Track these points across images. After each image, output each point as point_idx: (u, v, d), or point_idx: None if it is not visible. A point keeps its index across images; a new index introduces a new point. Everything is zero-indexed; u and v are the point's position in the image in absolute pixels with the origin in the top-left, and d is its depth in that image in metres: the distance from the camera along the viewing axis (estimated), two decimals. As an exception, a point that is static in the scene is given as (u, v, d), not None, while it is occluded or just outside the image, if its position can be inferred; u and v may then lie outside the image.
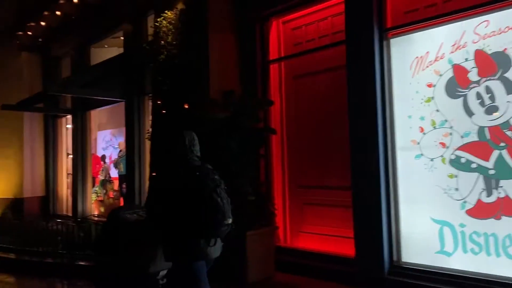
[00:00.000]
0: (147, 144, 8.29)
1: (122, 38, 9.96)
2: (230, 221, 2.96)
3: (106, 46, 10.34)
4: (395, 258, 4.61)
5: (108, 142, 11.45)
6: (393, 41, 4.75)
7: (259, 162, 5.56)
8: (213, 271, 3.21)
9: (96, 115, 11.05)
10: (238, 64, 6.03)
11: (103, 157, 10.92)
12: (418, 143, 4.53)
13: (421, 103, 4.51)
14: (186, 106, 5.76)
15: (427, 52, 4.48)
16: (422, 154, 4.50)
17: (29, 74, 11.02)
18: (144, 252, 3.34)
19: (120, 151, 10.31)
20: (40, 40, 10.33)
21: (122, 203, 10.20)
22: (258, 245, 5.10)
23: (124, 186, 10.04)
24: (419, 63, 4.54)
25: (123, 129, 11.24)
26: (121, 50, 9.37)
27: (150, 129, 6.34)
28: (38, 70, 11.20)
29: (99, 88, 8.05)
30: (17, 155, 10.86)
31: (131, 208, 4.06)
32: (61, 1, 8.91)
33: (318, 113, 5.69)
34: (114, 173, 10.99)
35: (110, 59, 8.63)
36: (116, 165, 10.36)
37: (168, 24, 5.99)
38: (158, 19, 6.22)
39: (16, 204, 10.57)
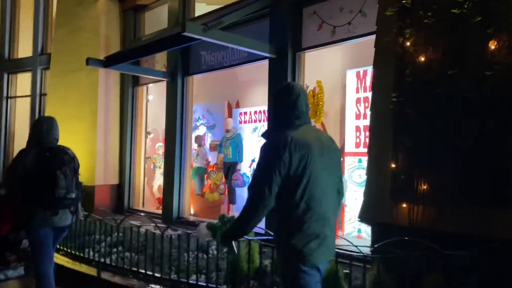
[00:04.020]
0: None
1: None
2: (73, 195, 3.38)
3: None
4: None
5: (198, 120, 9.00)
6: None
7: None
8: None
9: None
10: None
11: (198, 138, 8.44)
12: None
13: None
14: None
15: None
16: None
17: (105, 27, 8.53)
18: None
19: (228, 131, 7.87)
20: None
21: (228, 198, 7.83)
22: None
23: (235, 177, 7.65)
24: None
25: (220, 104, 8.85)
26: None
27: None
28: (116, 23, 8.71)
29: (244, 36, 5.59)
30: (89, 131, 8.41)
31: None
32: None
33: None
34: (212, 159, 8.57)
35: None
36: (221, 149, 7.91)
37: None
38: None
39: (86, 194, 8.12)
